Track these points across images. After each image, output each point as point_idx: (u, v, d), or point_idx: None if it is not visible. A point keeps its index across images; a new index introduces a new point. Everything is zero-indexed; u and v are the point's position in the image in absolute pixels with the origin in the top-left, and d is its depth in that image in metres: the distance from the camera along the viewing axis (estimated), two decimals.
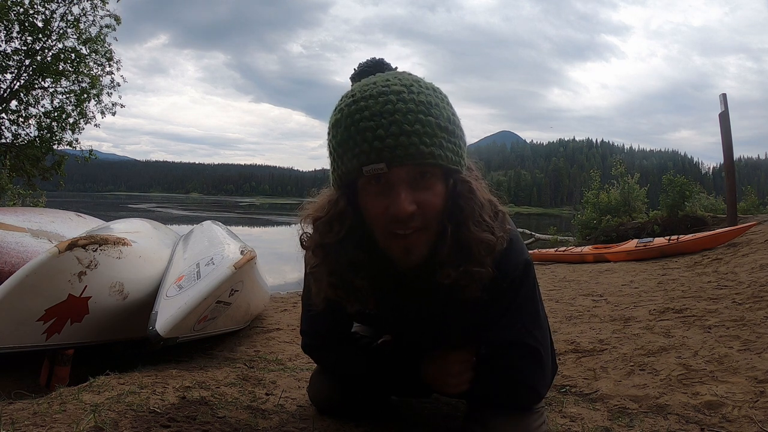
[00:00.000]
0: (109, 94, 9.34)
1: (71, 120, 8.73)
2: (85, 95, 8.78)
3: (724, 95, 6.39)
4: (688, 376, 1.57)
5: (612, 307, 2.89)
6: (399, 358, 1.07)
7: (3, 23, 7.80)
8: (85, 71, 8.73)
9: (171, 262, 2.29)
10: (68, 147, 9.00)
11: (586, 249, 6.43)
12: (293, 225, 0.97)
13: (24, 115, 8.61)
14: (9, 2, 7.69)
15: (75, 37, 8.57)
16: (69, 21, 8.41)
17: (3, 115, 8.40)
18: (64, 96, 8.72)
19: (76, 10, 8.48)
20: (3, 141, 8.43)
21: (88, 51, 8.75)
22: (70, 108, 8.71)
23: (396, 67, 0.93)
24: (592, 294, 3.45)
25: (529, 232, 10.68)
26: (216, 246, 2.24)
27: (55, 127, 8.61)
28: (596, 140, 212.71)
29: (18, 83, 8.37)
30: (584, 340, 2.17)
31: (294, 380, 1.57)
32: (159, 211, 32.70)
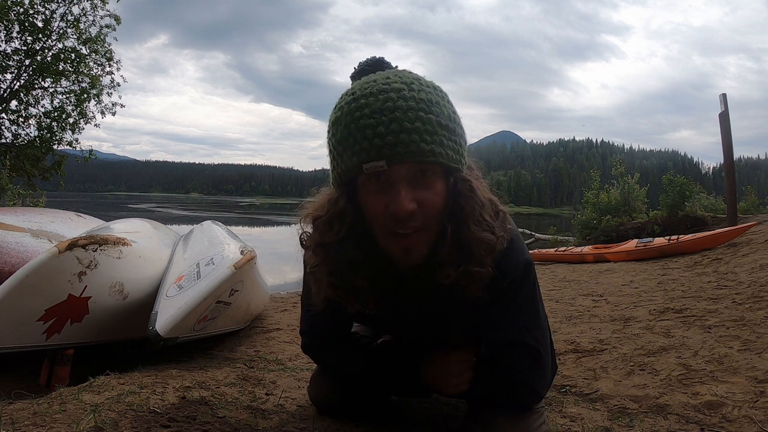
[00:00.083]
0: (109, 94, 9.37)
1: (71, 120, 8.73)
2: (85, 95, 8.79)
3: (724, 95, 6.39)
4: (688, 376, 1.57)
5: (612, 307, 2.89)
6: (399, 358, 1.06)
7: (3, 23, 7.80)
8: (85, 71, 8.73)
9: (171, 262, 2.29)
10: (68, 147, 9.02)
11: (586, 249, 6.43)
12: (293, 225, 0.97)
13: (24, 115, 8.62)
14: (9, 2, 7.69)
15: (75, 37, 8.59)
16: (69, 21, 8.42)
17: (3, 115, 8.40)
18: (64, 96, 8.74)
19: (76, 10, 8.50)
20: (3, 141, 8.44)
21: (88, 51, 8.75)
22: (70, 108, 8.72)
23: (396, 66, 0.92)
24: (592, 294, 3.45)
25: (529, 232, 10.68)
26: (216, 246, 2.24)
27: (55, 127, 8.62)
28: (596, 140, 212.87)
29: (18, 83, 8.37)
30: (584, 340, 2.17)
31: (294, 380, 1.57)
32: (159, 211, 32.70)
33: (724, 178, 7.48)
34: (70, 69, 8.55)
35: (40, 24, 8.11)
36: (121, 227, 2.67)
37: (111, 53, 9.15)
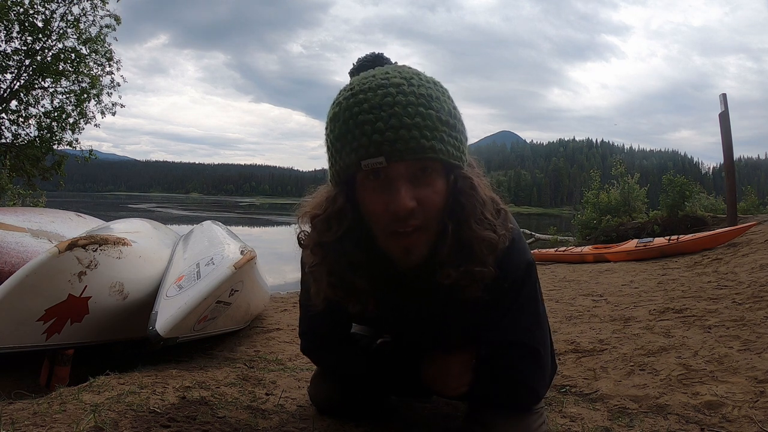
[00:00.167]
0: (109, 94, 9.37)
1: (71, 120, 8.74)
2: (85, 95, 8.79)
3: (724, 95, 6.39)
4: (688, 376, 1.57)
5: (612, 307, 2.89)
6: (399, 360, 1.06)
7: (3, 23, 7.80)
8: (85, 71, 8.73)
9: (171, 262, 2.29)
10: (68, 147, 9.02)
11: (586, 249, 6.43)
12: (293, 225, 0.95)
13: (24, 115, 8.62)
14: (9, 2, 7.69)
15: (75, 37, 8.59)
16: (69, 21, 8.42)
17: (3, 115, 8.40)
18: (64, 96, 8.74)
19: (76, 10, 8.50)
20: (3, 141, 8.44)
21: (88, 51, 8.76)
22: (70, 108, 8.73)
23: (395, 62, 0.91)
24: (592, 294, 3.45)
25: (529, 232, 10.68)
26: (216, 246, 2.24)
27: (55, 127, 8.62)
28: (596, 140, 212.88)
29: (18, 83, 8.37)
30: (584, 340, 2.17)
31: (294, 380, 1.57)
32: (159, 211, 32.70)
33: (724, 178, 7.48)
34: (70, 69, 8.55)
35: (40, 24, 8.11)
36: (121, 227, 2.67)
37: (111, 53, 9.16)
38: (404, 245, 0.81)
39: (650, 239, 5.77)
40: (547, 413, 1.20)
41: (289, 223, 0.95)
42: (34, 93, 8.61)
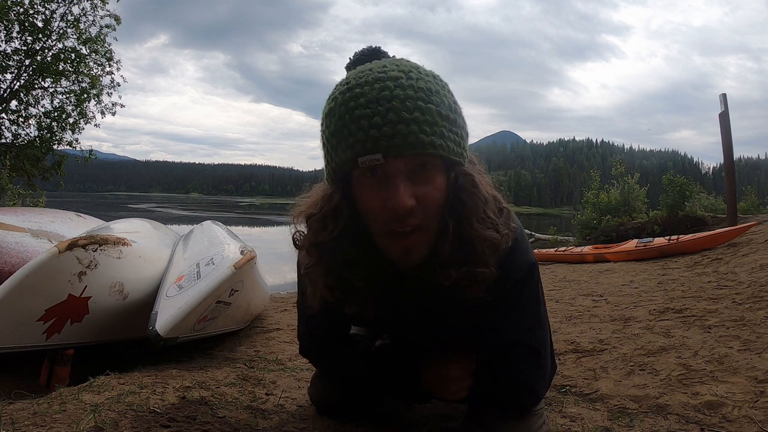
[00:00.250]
0: (109, 94, 9.38)
1: (71, 120, 8.74)
2: (85, 95, 8.80)
3: (724, 95, 6.39)
4: (688, 376, 1.57)
5: (612, 307, 2.89)
6: (398, 363, 1.05)
7: (3, 23, 7.80)
8: (85, 71, 8.74)
9: (171, 262, 2.29)
10: (68, 147, 9.02)
11: (586, 249, 6.44)
12: (290, 225, 0.92)
13: (24, 115, 8.63)
14: (9, 2, 7.69)
15: (75, 37, 8.59)
16: (69, 21, 8.43)
17: (3, 115, 8.40)
18: (64, 96, 8.74)
19: (76, 10, 8.50)
20: (3, 141, 8.44)
21: (88, 51, 8.76)
22: (70, 108, 8.73)
23: (393, 56, 0.87)
24: (592, 294, 3.45)
25: (529, 232, 10.68)
26: (216, 246, 2.24)
27: (55, 127, 8.62)
28: (596, 140, 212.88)
29: (18, 83, 8.38)
30: (584, 340, 2.16)
31: (294, 380, 1.57)
32: (159, 211, 32.70)
33: (724, 178, 7.48)
34: (70, 69, 8.56)
35: (40, 24, 8.11)
36: (121, 227, 2.67)
37: (111, 53, 9.17)
38: (403, 245, 0.79)
39: (650, 239, 5.77)
40: (547, 413, 1.20)
41: (289, 223, 0.92)
42: (34, 93, 8.62)
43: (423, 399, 1.13)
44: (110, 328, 1.81)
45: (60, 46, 8.52)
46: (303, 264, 0.91)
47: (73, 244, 1.57)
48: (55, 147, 8.74)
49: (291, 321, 2.99)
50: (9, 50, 8.09)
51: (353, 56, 0.89)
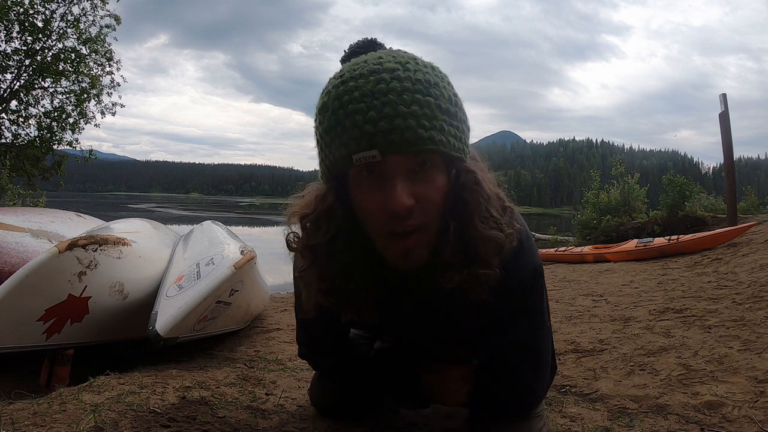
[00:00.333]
0: (109, 94, 9.37)
1: (71, 120, 8.74)
2: (85, 95, 8.79)
3: (724, 95, 6.39)
4: (688, 376, 1.57)
5: (612, 307, 2.89)
6: (398, 367, 1.04)
7: (3, 23, 7.80)
8: (85, 71, 8.74)
9: (171, 262, 2.29)
10: (68, 147, 9.02)
11: (586, 249, 6.44)
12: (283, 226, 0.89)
13: (24, 115, 8.62)
14: (9, 2, 7.69)
15: (75, 37, 8.59)
16: (69, 21, 8.42)
17: (3, 115, 8.40)
18: (64, 96, 8.74)
19: (76, 10, 8.50)
20: (3, 141, 8.44)
21: (88, 51, 8.76)
22: (70, 108, 8.73)
23: (390, 48, 0.82)
24: (592, 294, 3.45)
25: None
26: (216, 246, 2.24)
27: (55, 127, 8.62)
28: (596, 140, 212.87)
29: (18, 83, 8.37)
30: (584, 340, 2.16)
31: (294, 380, 1.57)
32: (159, 211, 32.70)
33: (724, 178, 7.48)
34: (70, 69, 8.55)
35: (40, 24, 8.11)
36: (121, 227, 2.67)
37: (111, 53, 9.16)
38: (403, 246, 0.74)
39: (650, 239, 5.77)
40: (547, 413, 1.20)
41: (283, 224, 0.88)
42: (34, 93, 8.62)
43: (423, 403, 1.12)
44: (110, 328, 1.81)
45: (60, 46, 8.52)
46: (297, 267, 0.87)
47: (73, 244, 1.57)
48: (55, 147, 8.74)
49: (291, 321, 2.99)
50: (9, 50, 8.10)
51: (348, 48, 0.85)
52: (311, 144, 0.79)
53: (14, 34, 8.07)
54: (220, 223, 3.51)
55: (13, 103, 8.46)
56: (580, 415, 1.29)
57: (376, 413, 1.18)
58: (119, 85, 9.41)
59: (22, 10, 7.90)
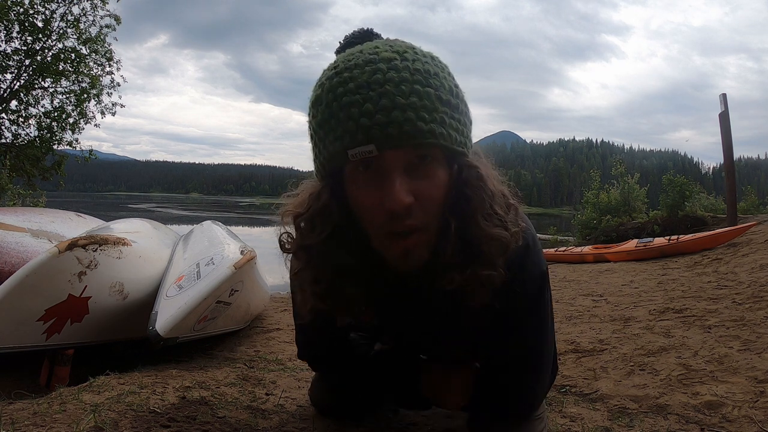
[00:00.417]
0: (109, 94, 9.38)
1: (71, 120, 8.74)
2: (85, 95, 8.80)
3: (724, 95, 6.39)
4: (688, 376, 1.57)
5: (612, 307, 2.89)
6: (398, 370, 1.02)
7: (3, 23, 7.80)
8: (85, 71, 8.74)
9: (171, 262, 2.29)
10: (68, 147, 9.03)
11: (586, 249, 6.44)
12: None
13: (24, 115, 8.63)
14: (9, 2, 7.70)
15: (75, 37, 8.60)
16: (69, 21, 8.43)
17: (3, 115, 8.40)
18: (64, 96, 8.75)
19: (76, 10, 8.51)
20: (3, 141, 8.44)
21: (88, 51, 8.77)
22: (70, 108, 8.74)
23: (387, 38, 0.78)
24: (592, 294, 3.45)
25: None
26: (216, 246, 2.24)
27: (55, 127, 8.63)
28: (596, 140, 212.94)
29: (18, 83, 8.38)
30: (584, 340, 2.16)
31: (294, 380, 1.57)
32: (159, 211, 32.71)
33: (724, 178, 7.48)
34: (70, 69, 8.56)
35: (40, 24, 8.11)
36: (121, 227, 2.67)
37: (111, 53, 9.17)
38: (402, 246, 0.71)
39: (650, 239, 5.77)
40: (548, 413, 1.20)
41: (276, 224, 0.85)
42: (34, 93, 8.62)
43: (423, 406, 1.11)
44: (110, 328, 1.81)
45: (60, 46, 8.53)
46: (292, 269, 0.83)
47: (73, 244, 1.57)
48: (55, 147, 8.75)
49: (291, 321, 2.98)
50: (9, 50, 8.11)
51: (343, 39, 0.80)
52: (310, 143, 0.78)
53: (14, 34, 8.08)
54: (220, 223, 3.51)
55: (13, 103, 8.48)
56: (580, 415, 1.29)
57: (376, 413, 1.18)
58: (119, 85, 9.44)
59: (22, 10, 7.91)
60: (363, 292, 0.78)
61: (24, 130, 8.68)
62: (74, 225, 2.71)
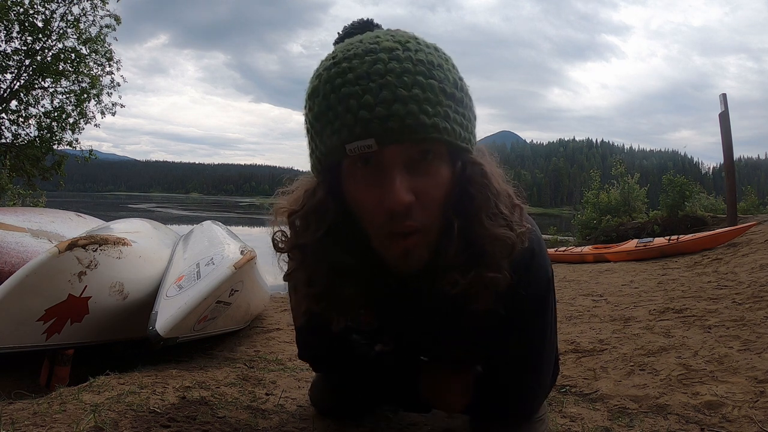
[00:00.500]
0: (109, 94, 9.40)
1: (71, 120, 8.76)
2: (85, 95, 8.81)
3: (724, 95, 6.39)
4: (688, 376, 1.57)
5: (612, 307, 2.89)
6: (398, 373, 1.01)
7: (3, 23, 7.81)
8: (85, 71, 8.75)
9: (171, 262, 2.29)
10: (68, 147, 9.04)
11: (586, 249, 6.44)
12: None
13: (24, 115, 8.64)
14: (9, 2, 7.70)
15: (75, 37, 8.61)
16: (69, 21, 8.44)
17: (3, 115, 8.41)
18: (64, 96, 8.76)
19: (76, 10, 8.52)
20: (3, 141, 8.45)
21: (88, 51, 8.78)
22: (70, 108, 8.75)
23: (388, 29, 0.73)
24: (592, 294, 3.45)
25: None
26: (216, 246, 2.24)
27: (55, 127, 8.64)
28: (596, 140, 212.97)
29: (18, 83, 8.39)
30: (584, 340, 2.17)
31: (294, 380, 1.57)
32: (159, 211, 32.73)
33: (724, 178, 7.48)
34: (70, 69, 8.57)
35: (40, 24, 8.12)
36: (121, 227, 2.67)
37: (111, 53, 9.19)
38: (403, 247, 0.68)
39: (650, 239, 5.77)
40: (548, 414, 1.20)
41: (269, 223, 0.81)
42: (34, 93, 8.63)
43: (423, 409, 1.11)
44: (110, 328, 1.81)
45: (60, 46, 8.55)
46: (288, 269, 0.80)
47: (73, 244, 1.57)
48: (55, 147, 8.76)
49: (291, 321, 2.98)
50: (9, 50, 8.11)
51: (342, 30, 0.76)
52: None
53: (14, 34, 8.09)
54: (220, 223, 3.51)
55: (13, 103, 8.49)
56: (580, 415, 1.29)
57: (376, 413, 1.18)
58: (119, 85, 9.46)
59: (22, 10, 7.91)
60: (361, 292, 0.75)
61: (24, 130, 8.70)
62: (74, 225, 2.72)
